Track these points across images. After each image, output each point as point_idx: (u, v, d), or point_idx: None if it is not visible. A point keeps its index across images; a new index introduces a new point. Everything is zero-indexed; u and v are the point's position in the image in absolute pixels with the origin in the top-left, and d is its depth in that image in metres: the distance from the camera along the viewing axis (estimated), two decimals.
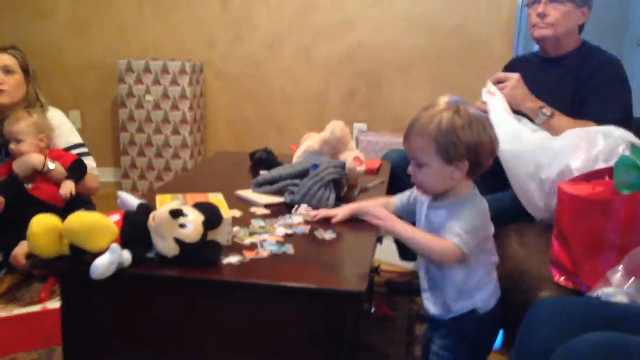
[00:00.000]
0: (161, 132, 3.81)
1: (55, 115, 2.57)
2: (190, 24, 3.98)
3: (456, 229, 1.28)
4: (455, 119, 1.28)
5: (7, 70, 2.47)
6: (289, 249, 1.33)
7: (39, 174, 2.32)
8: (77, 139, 2.60)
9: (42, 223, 1.23)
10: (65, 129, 2.57)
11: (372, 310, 2.22)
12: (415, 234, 1.33)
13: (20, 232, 2.22)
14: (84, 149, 2.60)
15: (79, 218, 1.22)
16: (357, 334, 1.21)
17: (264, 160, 2.11)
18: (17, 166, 2.32)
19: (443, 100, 1.33)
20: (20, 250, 2.21)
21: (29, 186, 2.33)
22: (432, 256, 1.33)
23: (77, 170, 2.40)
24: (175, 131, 3.79)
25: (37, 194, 2.32)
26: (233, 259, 1.27)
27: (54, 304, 2.01)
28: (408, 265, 2.57)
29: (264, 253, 1.31)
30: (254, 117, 4.03)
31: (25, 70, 2.54)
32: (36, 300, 2.21)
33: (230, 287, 1.21)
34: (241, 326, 1.22)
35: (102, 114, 4.16)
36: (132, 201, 1.39)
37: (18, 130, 2.34)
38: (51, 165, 2.32)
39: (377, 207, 1.44)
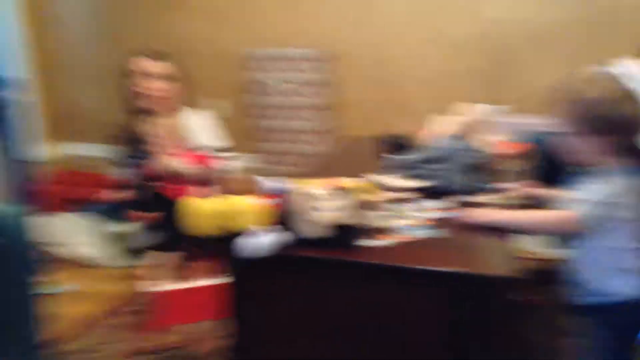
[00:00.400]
0: (293, 119, 3.93)
1: (197, 117, 2.72)
2: (316, 10, 4.03)
3: (578, 197, 1.27)
4: (602, 93, 1.24)
5: (161, 78, 2.63)
6: (430, 233, 1.34)
7: (174, 175, 2.52)
8: (220, 141, 2.73)
9: (198, 206, 1.34)
10: (205, 131, 2.71)
11: (518, 297, 2.15)
12: (520, 215, 1.37)
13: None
14: (225, 153, 2.72)
15: (234, 201, 1.32)
16: (503, 321, 1.19)
17: (397, 144, 2.11)
18: (158, 165, 2.53)
19: (593, 72, 1.28)
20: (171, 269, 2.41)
21: (162, 186, 2.53)
22: (547, 228, 1.35)
23: (211, 172, 2.54)
24: (307, 118, 3.90)
25: (177, 196, 2.51)
26: (373, 242, 1.30)
27: (210, 280, 2.17)
28: (555, 253, 2.46)
29: (403, 237, 1.33)
30: (383, 101, 4.02)
31: (177, 76, 2.70)
32: (196, 277, 2.40)
33: (371, 270, 1.24)
34: (382, 308, 1.25)
35: (237, 102, 4.35)
36: (277, 185, 1.47)
37: (153, 134, 2.55)
38: (184, 167, 2.49)
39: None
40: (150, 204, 2.53)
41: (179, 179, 2.50)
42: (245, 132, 4.31)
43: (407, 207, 1.51)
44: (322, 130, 3.95)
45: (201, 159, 2.56)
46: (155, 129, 2.54)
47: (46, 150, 4.68)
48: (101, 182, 3.12)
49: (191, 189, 2.45)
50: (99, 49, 4.64)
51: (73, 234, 2.70)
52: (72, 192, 3.06)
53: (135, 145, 2.67)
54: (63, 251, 2.65)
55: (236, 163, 2.71)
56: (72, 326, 2.09)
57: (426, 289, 1.21)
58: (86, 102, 4.78)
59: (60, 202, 3.01)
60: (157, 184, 2.52)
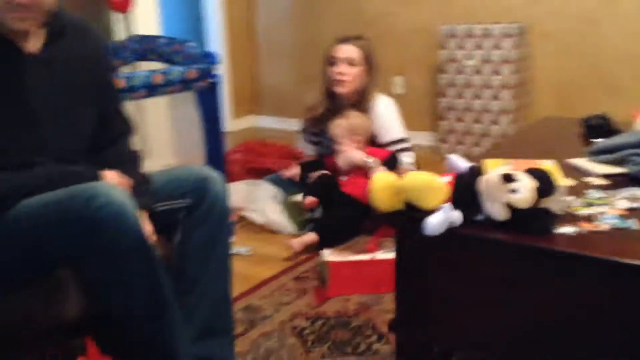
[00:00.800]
0: (480, 98, 3.78)
1: (381, 108, 2.71)
2: None
3: None
4: None
5: (350, 63, 2.68)
6: (634, 224, 1.21)
7: (357, 169, 2.57)
8: (399, 134, 2.72)
9: (382, 180, 1.34)
10: (388, 124, 2.71)
11: None
12: None
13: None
14: (403, 145, 2.72)
15: (415, 177, 1.29)
16: None
17: (599, 127, 1.94)
18: (340, 161, 2.59)
19: None
20: (301, 239, 2.46)
21: (344, 179, 2.58)
22: None
23: (389, 164, 2.56)
24: (496, 96, 3.73)
25: (349, 189, 2.56)
26: (567, 229, 1.21)
27: (382, 255, 2.19)
28: None
29: (602, 226, 1.22)
30: (584, 80, 3.71)
31: (367, 62, 2.72)
32: (365, 251, 2.44)
33: (563, 258, 1.16)
34: (571, 300, 1.16)
35: (423, 79, 4.30)
36: (462, 164, 1.42)
37: (335, 133, 2.62)
38: (369, 160, 2.52)
39: None
40: (319, 189, 2.62)
41: (357, 172, 2.56)
42: (431, 109, 4.26)
43: (609, 194, 1.38)
44: (515, 109, 3.76)
45: (375, 153, 2.58)
46: (340, 123, 2.61)
47: (237, 121, 5.04)
48: (285, 154, 3.29)
49: (366, 181, 2.50)
50: (296, 27, 4.84)
51: (255, 201, 2.86)
52: (256, 162, 3.26)
53: (321, 127, 2.77)
54: (245, 215, 2.82)
55: (407, 158, 2.68)
56: (247, 286, 2.22)
57: (622, 284, 1.10)
58: (279, 77, 5.03)
59: (245, 170, 3.22)
60: (333, 176, 2.60)
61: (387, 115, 2.72)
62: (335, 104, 2.75)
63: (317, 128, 2.81)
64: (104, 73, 1.60)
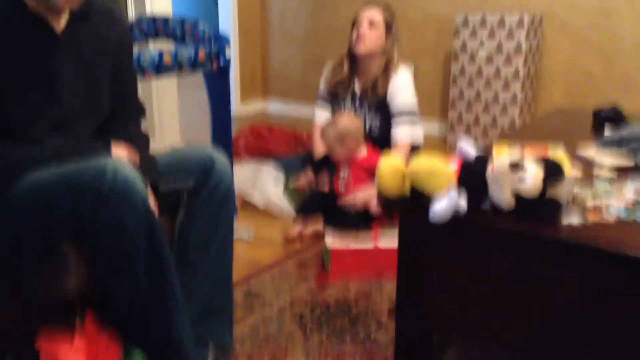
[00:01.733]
0: (491, 88, 3.74)
1: (399, 78, 2.70)
2: None
3: None
4: None
5: (372, 24, 2.69)
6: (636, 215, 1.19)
7: (360, 173, 2.54)
8: (408, 106, 2.68)
9: (389, 165, 1.31)
10: (400, 96, 2.69)
11: None
12: None
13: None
14: (410, 117, 2.67)
15: (423, 163, 1.27)
16: None
17: (610, 119, 1.91)
18: (349, 200, 2.52)
19: None
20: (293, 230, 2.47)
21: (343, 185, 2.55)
22: None
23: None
24: (506, 87, 3.68)
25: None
26: (573, 219, 1.19)
27: (385, 243, 2.17)
28: None
29: (609, 218, 1.19)
30: (597, 73, 3.66)
31: (388, 27, 2.73)
32: (368, 238, 2.42)
33: (568, 249, 1.14)
34: (574, 291, 1.14)
35: (434, 67, 4.25)
36: (471, 151, 1.39)
37: (327, 141, 2.57)
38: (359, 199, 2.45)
39: None
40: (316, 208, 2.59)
41: (357, 175, 2.52)
42: (441, 98, 4.21)
43: (616, 186, 1.36)
44: (524, 100, 3.72)
45: (372, 158, 2.51)
46: (329, 131, 2.54)
47: (246, 106, 5.01)
48: (290, 140, 3.26)
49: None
50: (309, 13, 4.78)
51: (257, 184, 2.85)
52: (262, 146, 3.24)
53: (339, 89, 2.75)
54: (247, 199, 2.81)
55: (414, 130, 2.65)
56: (248, 270, 2.21)
57: (627, 276, 1.08)
58: (289, 63, 4.98)
59: (250, 155, 3.20)
60: (330, 194, 2.57)
61: (403, 87, 2.71)
62: (356, 67, 2.76)
63: (335, 89, 2.81)
64: (126, 58, 1.61)
